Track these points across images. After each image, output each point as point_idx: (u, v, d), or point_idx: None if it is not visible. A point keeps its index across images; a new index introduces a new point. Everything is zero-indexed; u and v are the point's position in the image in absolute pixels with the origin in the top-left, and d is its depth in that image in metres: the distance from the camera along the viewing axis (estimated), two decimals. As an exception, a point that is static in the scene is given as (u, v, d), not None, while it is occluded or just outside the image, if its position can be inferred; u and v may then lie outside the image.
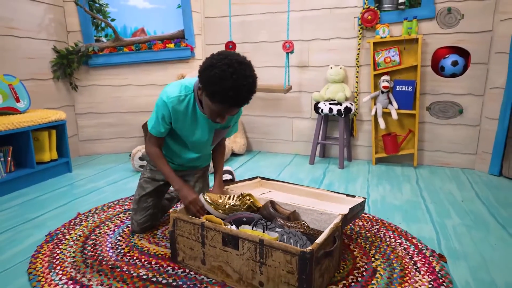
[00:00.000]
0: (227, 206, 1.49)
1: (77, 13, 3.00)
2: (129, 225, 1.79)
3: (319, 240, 1.15)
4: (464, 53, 2.69)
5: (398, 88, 2.75)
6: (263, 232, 1.27)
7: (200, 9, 3.24)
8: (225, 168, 2.14)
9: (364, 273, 1.36)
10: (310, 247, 1.10)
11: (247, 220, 1.39)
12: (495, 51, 2.55)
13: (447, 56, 2.72)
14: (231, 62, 1.20)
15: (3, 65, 2.50)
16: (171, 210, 1.76)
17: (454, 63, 2.67)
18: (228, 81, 1.18)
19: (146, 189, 1.68)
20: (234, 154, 3.24)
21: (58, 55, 2.93)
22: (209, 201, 1.48)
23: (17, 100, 2.47)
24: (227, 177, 2.06)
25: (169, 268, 1.42)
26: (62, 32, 3.00)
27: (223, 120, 1.33)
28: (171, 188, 1.83)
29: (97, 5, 3.07)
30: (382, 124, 2.76)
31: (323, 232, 1.27)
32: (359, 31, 2.86)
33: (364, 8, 2.79)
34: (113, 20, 3.19)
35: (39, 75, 2.81)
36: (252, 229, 1.30)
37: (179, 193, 1.50)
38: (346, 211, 1.39)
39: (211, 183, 2.08)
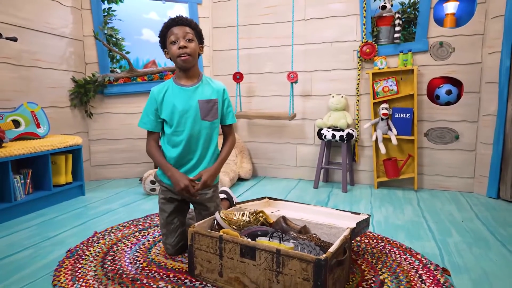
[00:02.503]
0: (241, 223, 1.59)
1: (95, 46, 3.22)
2: (145, 243, 1.87)
3: (332, 249, 1.25)
4: (457, 83, 2.88)
5: (396, 115, 2.91)
6: (279, 243, 1.36)
7: (208, 42, 3.47)
8: (222, 188, 2.22)
9: (373, 285, 1.44)
10: (324, 255, 1.19)
11: (262, 233, 1.49)
12: (485, 81, 2.74)
13: (441, 85, 2.91)
14: None
15: (28, 93, 2.67)
16: None
17: (448, 92, 2.85)
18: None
19: (167, 210, 1.73)
20: (240, 179, 3.35)
21: (76, 84, 3.12)
22: (223, 217, 1.58)
23: (38, 126, 2.61)
24: (221, 196, 2.14)
25: (187, 280, 1.49)
26: (81, 63, 3.21)
27: (182, 47, 1.58)
28: (191, 207, 1.91)
29: (114, 39, 3.30)
30: (382, 149, 2.90)
31: (333, 244, 1.37)
32: (359, 62, 3.07)
33: (362, 42, 3.01)
34: (127, 53, 3.40)
35: (58, 103, 2.98)
36: (269, 240, 1.39)
37: (171, 180, 1.62)
38: (354, 225, 1.49)
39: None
